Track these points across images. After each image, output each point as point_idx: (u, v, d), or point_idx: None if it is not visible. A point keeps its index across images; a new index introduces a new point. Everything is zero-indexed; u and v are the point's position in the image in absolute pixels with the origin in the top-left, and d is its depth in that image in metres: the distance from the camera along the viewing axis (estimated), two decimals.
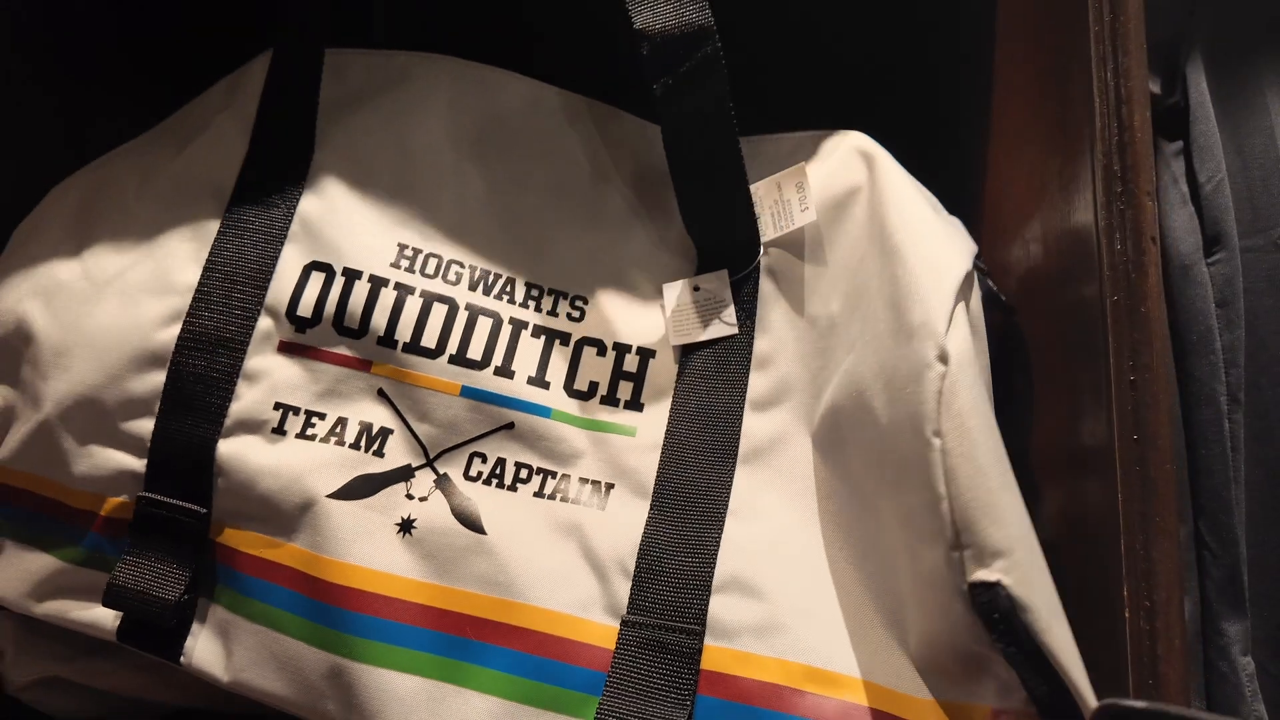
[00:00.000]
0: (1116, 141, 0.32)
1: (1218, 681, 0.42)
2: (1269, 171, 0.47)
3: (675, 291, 0.41)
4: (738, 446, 0.38)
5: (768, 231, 0.41)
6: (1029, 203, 0.39)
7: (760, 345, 0.40)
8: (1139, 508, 0.31)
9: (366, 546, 0.37)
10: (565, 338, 0.41)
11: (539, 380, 0.40)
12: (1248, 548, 0.44)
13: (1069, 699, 0.29)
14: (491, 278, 0.41)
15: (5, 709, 0.45)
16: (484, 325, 0.40)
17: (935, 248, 0.37)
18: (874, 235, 0.38)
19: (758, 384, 0.40)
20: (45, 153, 0.49)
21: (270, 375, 0.39)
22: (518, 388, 0.39)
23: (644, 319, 0.41)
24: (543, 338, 0.40)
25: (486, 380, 0.39)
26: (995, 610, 0.29)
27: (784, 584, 0.36)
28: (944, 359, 0.33)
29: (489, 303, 0.40)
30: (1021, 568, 0.30)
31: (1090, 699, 0.29)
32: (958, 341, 0.34)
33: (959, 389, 0.33)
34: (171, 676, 0.44)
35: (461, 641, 0.36)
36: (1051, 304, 0.39)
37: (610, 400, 0.40)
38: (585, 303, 0.42)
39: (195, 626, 0.38)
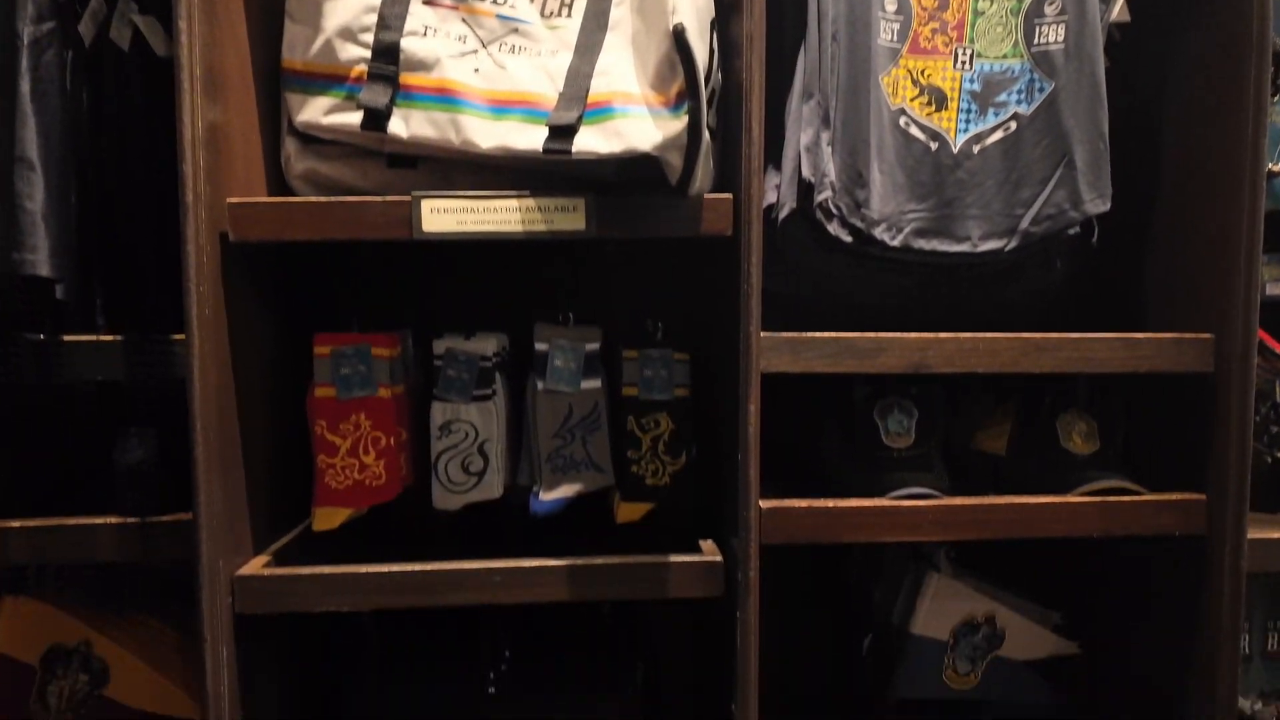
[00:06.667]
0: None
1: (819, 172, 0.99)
2: None
3: None
4: (608, 23, 0.91)
5: None
6: None
7: None
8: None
9: (462, 75, 0.93)
10: None
11: (527, 7, 0.95)
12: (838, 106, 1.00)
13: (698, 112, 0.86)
14: None
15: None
16: None
17: None
18: None
19: None
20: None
21: (418, 14, 0.94)
22: (520, 13, 0.94)
23: None
24: None
25: (506, 10, 0.93)
26: (679, 33, 0.82)
27: (617, 63, 0.90)
28: None
29: None
30: (689, 18, 0.83)
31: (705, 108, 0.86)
32: None
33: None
34: (368, 171, 1.02)
35: None
36: None
37: (558, 14, 0.94)
38: None
39: (393, 119, 0.94)
